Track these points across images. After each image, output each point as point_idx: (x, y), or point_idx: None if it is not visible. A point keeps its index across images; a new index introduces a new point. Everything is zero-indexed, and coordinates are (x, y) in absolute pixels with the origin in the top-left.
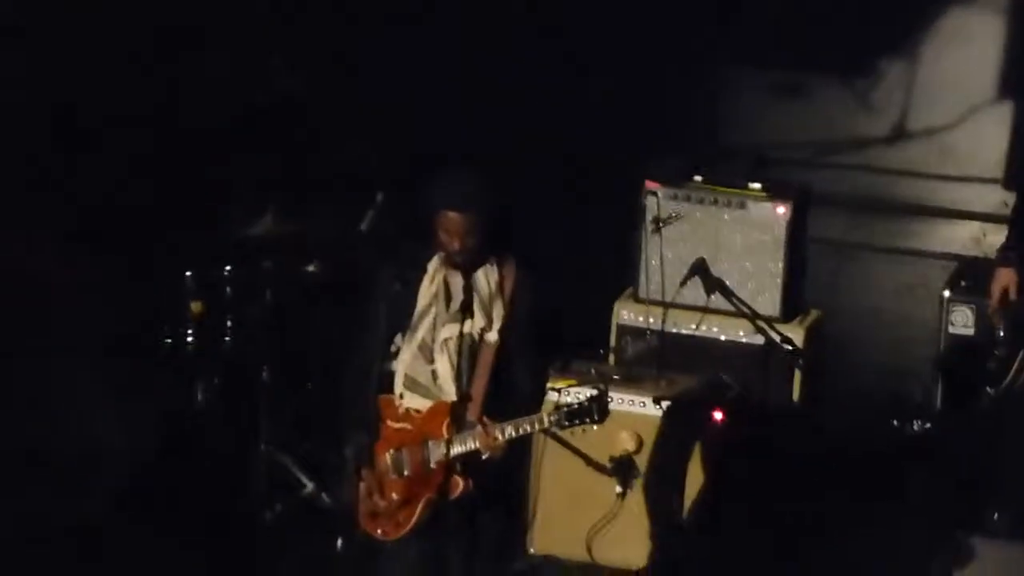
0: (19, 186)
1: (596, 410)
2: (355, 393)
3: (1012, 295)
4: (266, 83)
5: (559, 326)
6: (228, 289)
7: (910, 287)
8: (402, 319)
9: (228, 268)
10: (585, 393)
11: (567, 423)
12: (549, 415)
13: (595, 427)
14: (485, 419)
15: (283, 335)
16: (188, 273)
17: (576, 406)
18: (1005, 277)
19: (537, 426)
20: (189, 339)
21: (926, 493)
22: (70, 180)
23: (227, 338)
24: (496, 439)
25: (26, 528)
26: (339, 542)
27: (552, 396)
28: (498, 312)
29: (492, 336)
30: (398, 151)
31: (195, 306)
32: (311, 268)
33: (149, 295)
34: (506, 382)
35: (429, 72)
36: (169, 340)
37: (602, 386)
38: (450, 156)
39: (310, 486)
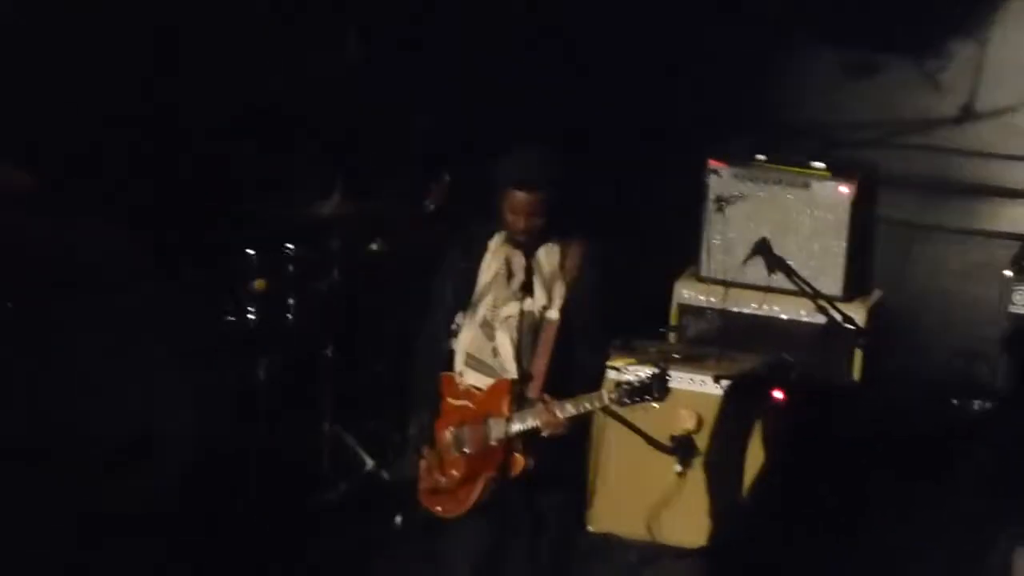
0: (80, 167)
1: (656, 388)
2: (422, 371)
3: None
4: (338, 58)
5: (620, 304)
6: (291, 267)
7: (977, 267)
8: (464, 297)
9: (290, 246)
10: (646, 371)
11: (627, 401)
12: (609, 393)
13: (655, 405)
14: (546, 396)
15: (347, 313)
16: (251, 251)
17: (637, 384)
18: None
19: (597, 404)
20: (251, 316)
21: (987, 475)
22: (136, 158)
23: (290, 316)
24: (557, 416)
25: (88, 509)
26: (398, 519)
27: (612, 374)
28: (559, 291)
29: (553, 314)
30: (464, 129)
31: (258, 283)
32: (375, 247)
33: (213, 273)
34: (569, 360)
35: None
36: (232, 318)
37: (663, 364)
38: (512, 135)
39: (371, 463)
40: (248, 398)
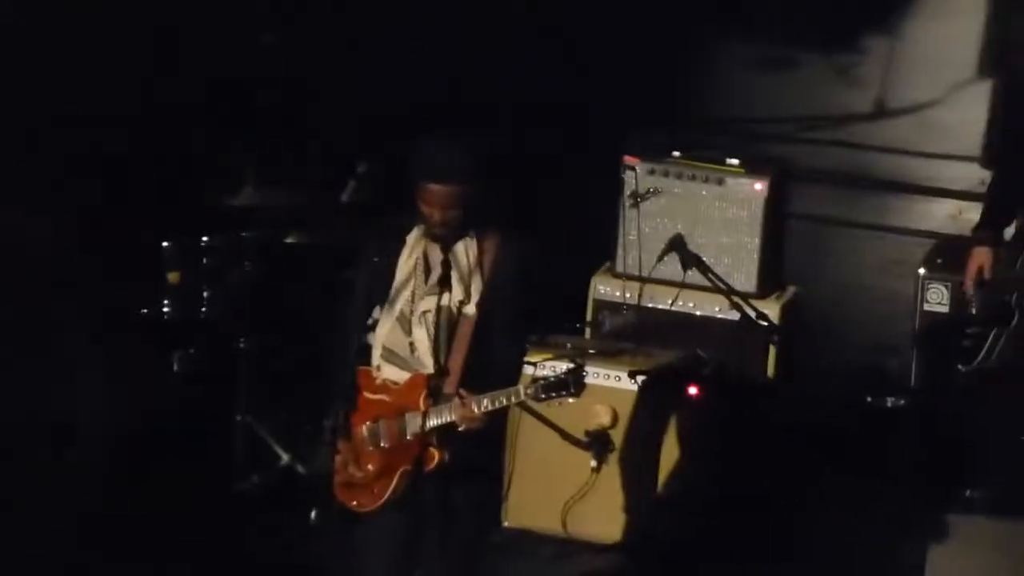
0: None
1: (573, 383)
2: (336, 364)
3: (986, 274)
4: (251, 51)
5: (537, 300)
6: (205, 259)
7: (890, 263)
8: (381, 291)
9: (206, 238)
10: (562, 367)
11: (543, 396)
12: (526, 388)
13: (571, 400)
14: (462, 391)
15: (261, 305)
16: (165, 243)
17: (553, 379)
18: (980, 257)
19: (514, 399)
20: (166, 309)
21: (900, 469)
22: (50, 152)
23: (204, 308)
24: (473, 411)
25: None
26: (313, 513)
27: (528, 369)
28: (477, 285)
29: (470, 309)
30: (381, 119)
31: (172, 276)
32: (290, 238)
33: (127, 265)
34: (486, 355)
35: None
36: (146, 310)
37: (579, 360)
38: (433, 122)
39: (286, 457)
40: (163, 390)
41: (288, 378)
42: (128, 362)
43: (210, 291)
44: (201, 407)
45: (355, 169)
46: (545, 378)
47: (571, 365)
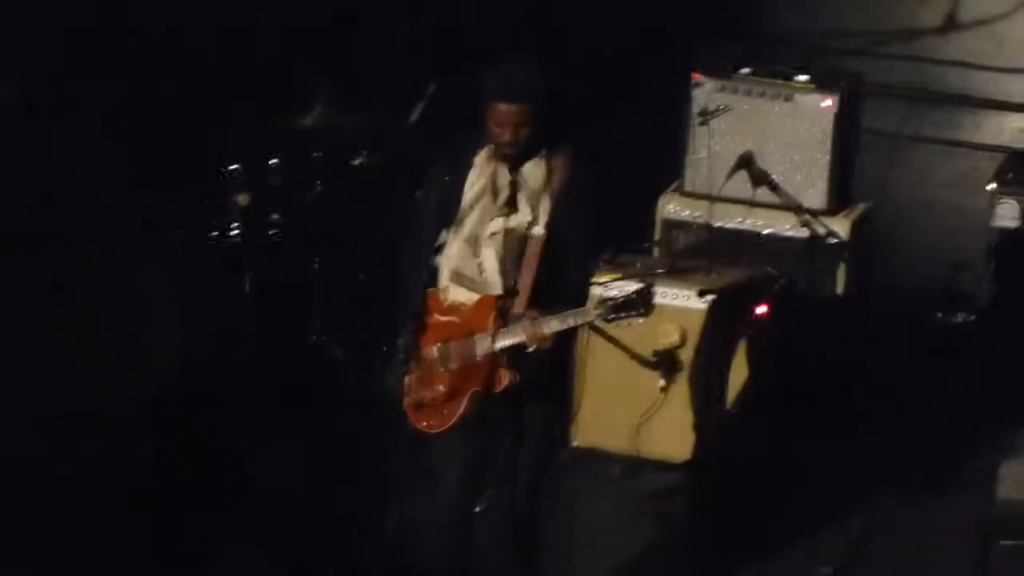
0: (64, 74)
1: (641, 303)
2: (407, 286)
3: None
4: None
5: (607, 220)
6: (275, 181)
7: (962, 178)
8: (450, 212)
9: (275, 160)
10: (630, 287)
11: (612, 316)
12: (595, 308)
13: (640, 321)
14: (532, 312)
15: (332, 227)
16: (235, 165)
17: (621, 300)
18: None
19: (582, 319)
20: (236, 231)
21: (971, 385)
22: (116, 72)
23: (275, 230)
24: (542, 332)
25: (74, 420)
26: (387, 433)
27: (597, 290)
28: (545, 206)
29: (538, 230)
30: (451, 40)
31: (242, 198)
32: (360, 160)
33: (197, 187)
34: (555, 276)
35: None
36: (217, 232)
37: (647, 280)
38: (499, 47)
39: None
40: (236, 312)
41: (361, 300)
42: (201, 285)
43: (281, 213)
44: (275, 329)
45: (425, 89)
46: (614, 298)
47: (640, 285)
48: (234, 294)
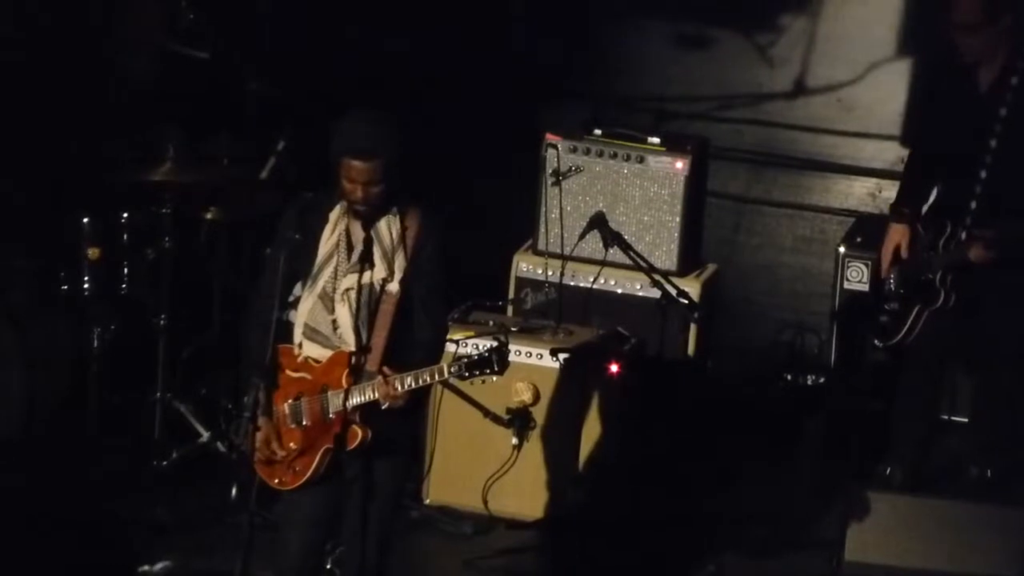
0: None
1: (496, 361)
2: (254, 341)
3: (904, 253)
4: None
5: (460, 277)
6: (125, 235)
7: (809, 242)
8: (302, 268)
9: (126, 214)
10: (485, 344)
11: (467, 374)
12: (449, 366)
13: (495, 379)
14: (386, 369)
15: (181, 282)
16: (85, 219)
17: (476, 357)
18: (897, 235)
19: (437, 377)
20: (86, 285)
21: (819, 447)
22: None
23: (124, 284)
24: (396, 389)
25: None
26: (234, 490)
27: (452, 347)
28: (400, 263)
29: (393, 287)
30: (303, 97)
31: (92, 252)
32: (209, 215)
33: (47, 241)
34: (409, 331)
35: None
36: (66, 287)
37: (502, 338)
38: (355, 103)
39: (206, 435)
40: (82, 366)
41: (208, 355)
42: (48, 339)
43: (130, 267)
44: (120, 384)
45: (274, 146)
46: (468, 356)
47: (495, 343)
48: (81, 348)
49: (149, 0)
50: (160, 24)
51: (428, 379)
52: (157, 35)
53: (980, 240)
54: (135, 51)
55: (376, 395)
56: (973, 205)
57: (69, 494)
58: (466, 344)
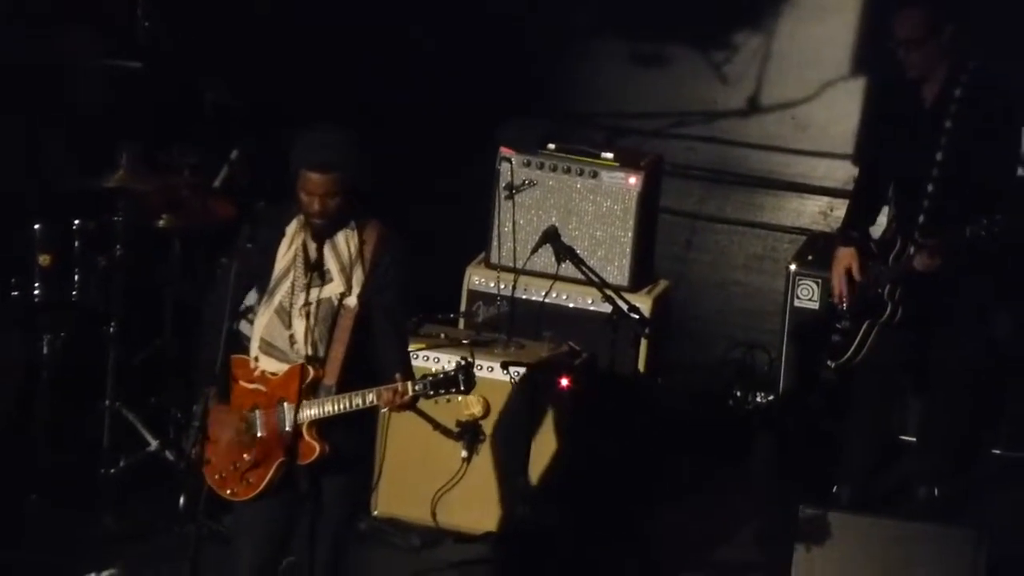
0: None
1: (463, 380)
2: (204, 351)
3: (856, 275)
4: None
5: (414, 290)
6: (77, 242)
7: (760, 259)
8: (256, 279)
9: (77, 221)
10: (452, 363)
11: (432, 392)
12: (414, 384)
13: (460, 398)
14: (342, 384)
15: (132, 290)
16: (37, 226)
17: (443, 376)
18: (846, 258)
19: (403, 395)
20: (37, 291)
21: (769, 465)
22: None
23: (75, 291)
24: (407, 393)
25: None
26: (181, 500)
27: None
28: (358, 277)
29: (351, 301)
30: (260, 106)
31: (43, 258)
32: (162, 222)
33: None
34: (368, 346)
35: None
36: (16, 293)
37: (469, 357)
38: (312, 115)
39: (154, 444)
40: (32, 373)
41: (158, 364)
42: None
43: (81, 275)
44: (70, 392)
45: (228, 155)
46: (435, 374)
47: (462, 362)
48: (31, 354)
49: (79, 24)
50: (95, 43)
51: (388, 397)
52: (92, 55)
53: (924, 248)
54: (72, 76)
55: (332, 409)
56: (922, 219)
57: (13, 499)
58: (415, 356)
